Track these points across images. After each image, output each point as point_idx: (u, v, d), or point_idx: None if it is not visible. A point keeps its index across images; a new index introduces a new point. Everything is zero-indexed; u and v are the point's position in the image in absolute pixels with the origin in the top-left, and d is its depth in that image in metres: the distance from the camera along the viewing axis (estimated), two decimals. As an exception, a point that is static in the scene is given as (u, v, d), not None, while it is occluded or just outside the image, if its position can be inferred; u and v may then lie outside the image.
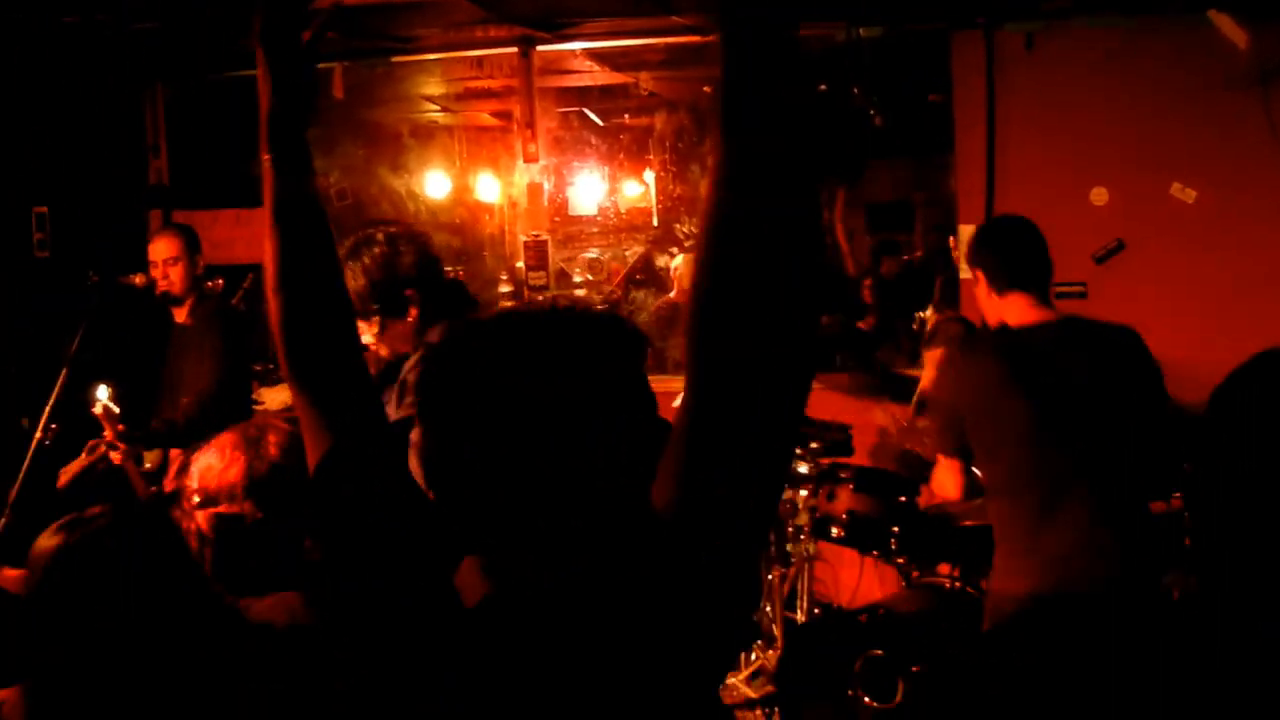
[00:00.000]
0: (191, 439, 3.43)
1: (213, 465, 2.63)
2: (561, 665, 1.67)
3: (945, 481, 4.34)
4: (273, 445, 2.64)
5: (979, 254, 4.34)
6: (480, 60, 8.16)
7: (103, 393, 5.55)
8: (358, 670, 1.82)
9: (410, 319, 3.98)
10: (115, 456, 5.61)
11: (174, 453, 6.08)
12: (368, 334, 3.94)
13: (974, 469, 4.33)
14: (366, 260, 3.93)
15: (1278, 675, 1.78)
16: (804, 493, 6.12)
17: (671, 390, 1.75)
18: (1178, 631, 2.29)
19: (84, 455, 5.70)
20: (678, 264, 8.75)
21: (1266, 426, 1.86)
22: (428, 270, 4.02)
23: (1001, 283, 4.23)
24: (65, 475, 5.69)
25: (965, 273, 5.98)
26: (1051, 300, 4.28)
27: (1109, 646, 3.89)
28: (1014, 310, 4.19)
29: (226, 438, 2.69)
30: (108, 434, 5.58)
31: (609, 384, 1.73)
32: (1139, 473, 4.16)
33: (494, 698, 1.68)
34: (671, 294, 8.87)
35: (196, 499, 2.60)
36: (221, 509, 2.58)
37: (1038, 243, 4.32)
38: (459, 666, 1.70)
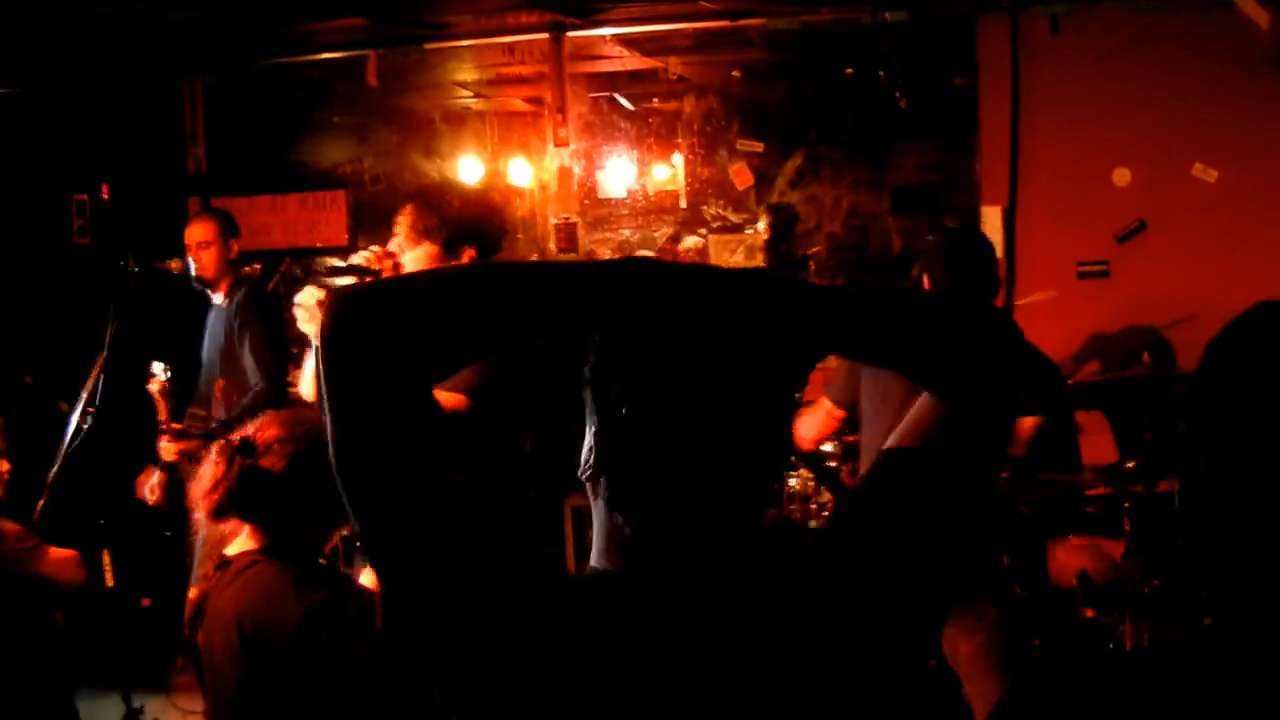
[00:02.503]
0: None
1: (263, 430, 3.12)
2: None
3: (809, 422, 4.60)
4: (310, 429, 3.08)
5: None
6: (511, 46, 8.23)
7: (158, 368, 5.56)
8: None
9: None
10: (168, 455, 5.63)
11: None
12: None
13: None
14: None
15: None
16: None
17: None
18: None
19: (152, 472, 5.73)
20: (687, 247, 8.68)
21: (1263, 378, 1.82)
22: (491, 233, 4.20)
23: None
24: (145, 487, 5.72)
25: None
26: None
27: None
28: None
29: (278, 415, 3.23)
30: (162, 413, 5.60)
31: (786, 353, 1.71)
32: None
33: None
34: None
35: (240, 445, 3.09)
36: (257, 462, 3.06)
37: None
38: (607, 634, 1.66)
